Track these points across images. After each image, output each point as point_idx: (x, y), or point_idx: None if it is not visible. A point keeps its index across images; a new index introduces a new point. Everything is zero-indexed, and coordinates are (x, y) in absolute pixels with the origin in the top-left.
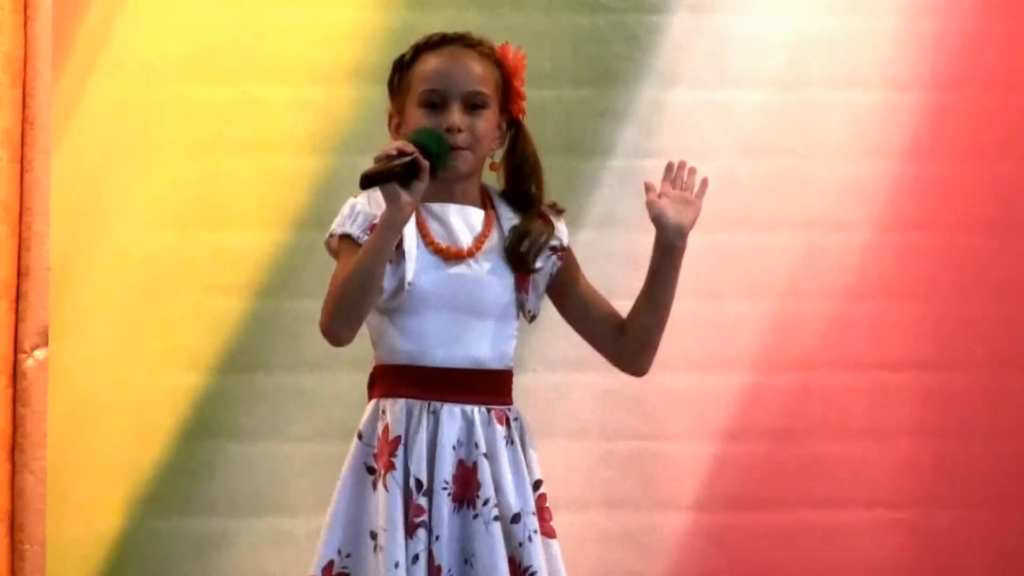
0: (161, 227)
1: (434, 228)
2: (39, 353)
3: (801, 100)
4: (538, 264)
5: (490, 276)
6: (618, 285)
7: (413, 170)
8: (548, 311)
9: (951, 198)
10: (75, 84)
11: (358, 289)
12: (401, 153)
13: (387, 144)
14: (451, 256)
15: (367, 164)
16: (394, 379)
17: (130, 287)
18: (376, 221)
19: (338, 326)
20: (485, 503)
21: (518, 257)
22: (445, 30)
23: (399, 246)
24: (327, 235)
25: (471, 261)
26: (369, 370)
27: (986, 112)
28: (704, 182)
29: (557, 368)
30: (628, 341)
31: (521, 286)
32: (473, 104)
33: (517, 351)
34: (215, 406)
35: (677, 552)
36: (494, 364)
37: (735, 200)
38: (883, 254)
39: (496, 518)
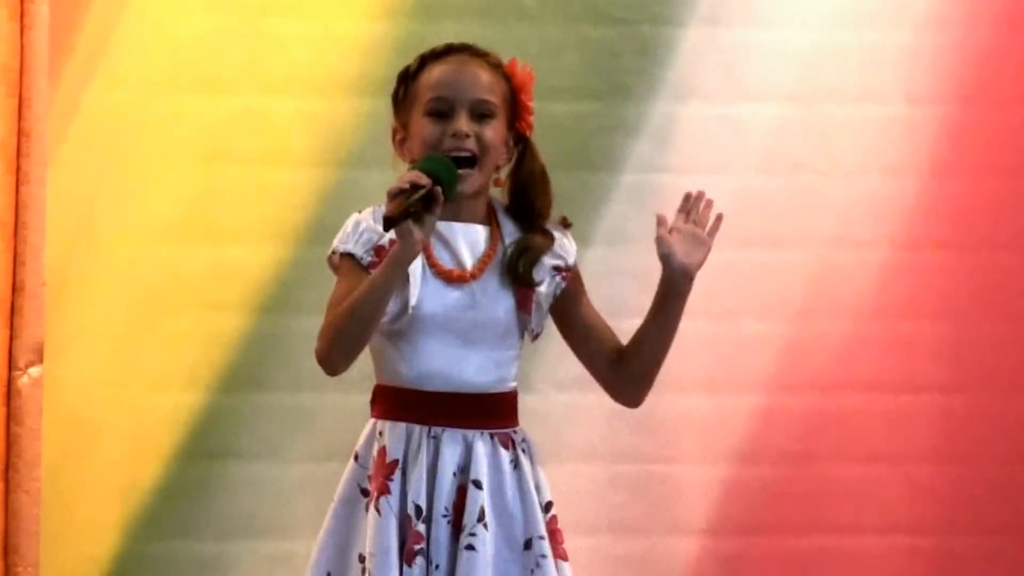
0: (160, 242)
1: (438, 250)
2: (34, 370)
3: (817, 115)
4: (538, 279)
5: (492, 298)
6: (627, 303)
7: (428, 202)
8: (554, 330)
9: (971, 215)
10: (72, 94)
11: (360, 323)
12: (414, 186)
13: (401, 179)
14: (454, 279)
15: (371, 178)
16: (394, 401)
17: (127, 303)
18: (381, 241)
19: (335, 357)
20: (462, 529)
21: (517, 273)
22: (451, 41)
23: None
24: (329, 251)
25: (474, 284)
26: (371, 390)
27: (1007, 127)
28: (718, 218)
29: (564, 389)
30: (625, 372)
31: (523, 306)
32: (481, 113)
33: (524, 371)
34: (213, 426)
35: None
36: (497, 387)
37: (749, 217)
38: (901, 273)
39: (470, 547)
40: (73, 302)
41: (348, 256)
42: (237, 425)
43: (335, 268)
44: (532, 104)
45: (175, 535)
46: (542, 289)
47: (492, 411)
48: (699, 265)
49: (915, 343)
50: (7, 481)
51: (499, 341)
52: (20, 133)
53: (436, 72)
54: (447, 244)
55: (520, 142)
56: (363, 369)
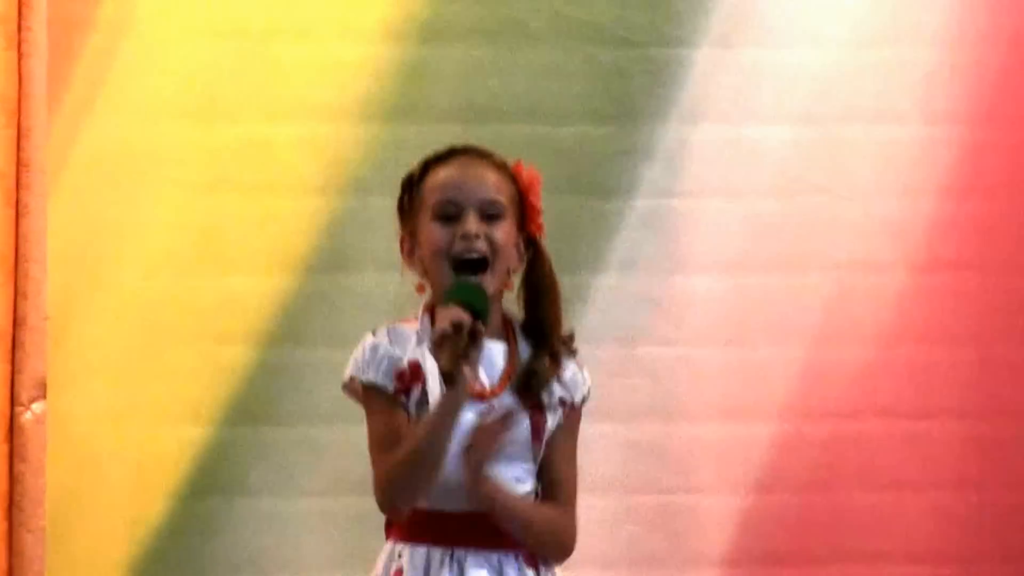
0: (163, 273)
1: None
2: (37, 406)
3: (832, 136)
4: (546, 403)
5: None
6: (640, 329)
7: (473, 339)
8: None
9: (990, 237)
10: (72, 124)
11: (422, 473)
12: (457, 327)
13: (440, 320)
14: (474, 397)
15: (378, 205)
16: (413, 523)
17: (131, 336)
18: (401, 366)
19: (401, 504)
20: None
21: (527, 396)
22: (455, 144)
23: (423, 387)
24: (346, 377)
25: (494, 402)
26: None
27: None
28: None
29: None
30: None
31: (536, 432)
32: (490, 214)
33: None
34: (220, 460)
35: None
36: None
37: (763, 241)
38: (919, 297)
39: None
40: (76, 336)
41: (372, 388)
42: (244, 459)
43: (356, 396)
44: (540, 206)
45: (182, 572)
46: (550, 423)
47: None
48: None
49: (934, 368)
50: (10, 519)
51: (520, 457)
52: (19, 164)
53: (441, 175)
54: None
55: (530, 246)
56: None
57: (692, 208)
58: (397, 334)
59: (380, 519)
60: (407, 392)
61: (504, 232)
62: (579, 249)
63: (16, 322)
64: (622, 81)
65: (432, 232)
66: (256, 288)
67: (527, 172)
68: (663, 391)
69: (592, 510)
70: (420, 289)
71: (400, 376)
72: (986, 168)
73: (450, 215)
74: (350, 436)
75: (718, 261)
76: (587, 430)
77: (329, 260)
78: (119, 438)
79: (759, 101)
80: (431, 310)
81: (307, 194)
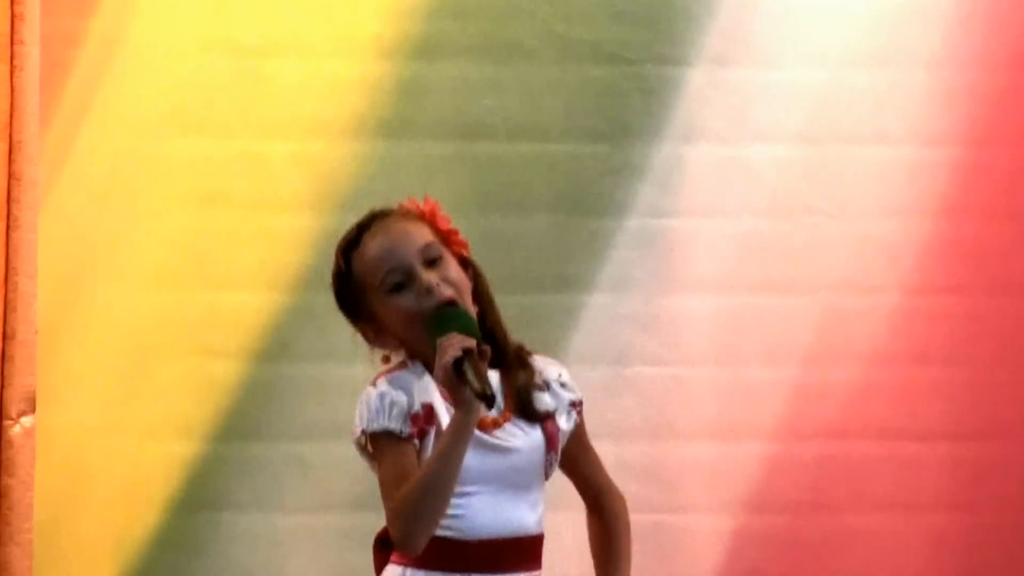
0: (154, 288)
1: None
2: (26, 420)
3: (827, 156)
4: (551, 408)
5: (524, 441)
6: (633, 350)
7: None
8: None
9: (983, 259)
10: (64, 138)
11: (437, 498)
12: (468, 351)
13: (447, 349)
14: (486, 427)
15: None
16: (432, 551)
17: (121, 350)
18: (414, 409)
19: (418, 536)
20: None
21: (532, 413)
22: (358, 221)
23: (436, 423)
24: (357, 432)
25: (504, 429)
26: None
27: (1020, 169)
28: None
29: None
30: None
31: (551, 443)
32: (432, 258)
33: None
34: (210, 476)
35: None
36: (536, 529)
37: (756, 261)
38: (912, 318)
39: None
40: (65, 350)
41: (384, 434)
42: (232, 475)
43: (364, 448)
44: (451, 226)
45: None
46: (564, 427)
47: (530, 554)
48: None
49: (926, 389)
50: None
51: (536, 483)
52: (11, 177)
53: (370, 250)
54: None
55: (466, 266)
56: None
57: (685, 228)
58: (398, 380)
59: (367, 536)
60: (422, 436)
61: (451, 266)
62: (571, 268)
63: (5, 335)
64: (616, 99)
65: (395, 305)
66: (247, 304)
67: (423, 204)
68: (654, 411)
69: (580, 529)
70: (386, 360)
71: (415, 419)
72: (980, 190)
73: (402, 283)
74: (338, 453)
75: (711, 281)
76: None
77: (320, 277)
78: (108, 452)
79: (754, 121)
80: (419, 358)
81: (299, 210)
